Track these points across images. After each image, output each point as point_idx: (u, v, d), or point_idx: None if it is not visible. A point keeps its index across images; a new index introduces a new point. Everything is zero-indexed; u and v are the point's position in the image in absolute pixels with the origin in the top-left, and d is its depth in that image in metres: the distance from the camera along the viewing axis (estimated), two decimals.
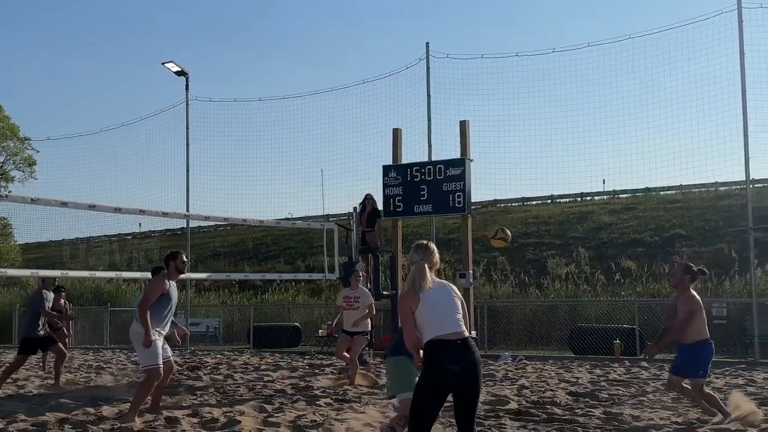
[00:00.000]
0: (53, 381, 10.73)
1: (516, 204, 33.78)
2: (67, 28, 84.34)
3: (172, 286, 7.68)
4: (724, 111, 15.28)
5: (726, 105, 15.21)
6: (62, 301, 13.17)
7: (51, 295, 10.81)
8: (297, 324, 19.39)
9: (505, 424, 7.05)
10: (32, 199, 10.71)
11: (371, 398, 8.80)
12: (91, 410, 8.05)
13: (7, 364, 11.19)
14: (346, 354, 10.46)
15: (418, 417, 4.61)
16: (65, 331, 13.40)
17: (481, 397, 8.50)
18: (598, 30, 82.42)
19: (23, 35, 78.47)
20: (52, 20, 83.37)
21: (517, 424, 7.05)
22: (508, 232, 14.04)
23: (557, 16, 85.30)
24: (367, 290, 10.88)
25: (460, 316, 4.70)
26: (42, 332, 10.43)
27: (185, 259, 7.98)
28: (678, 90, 16.60)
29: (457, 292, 4.86)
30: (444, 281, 4.91)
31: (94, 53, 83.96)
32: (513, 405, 8.13)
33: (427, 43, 16.86)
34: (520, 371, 12.10)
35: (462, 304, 4.82)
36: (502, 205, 33.22)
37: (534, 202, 34.36)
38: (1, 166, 35.88)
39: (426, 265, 4.74)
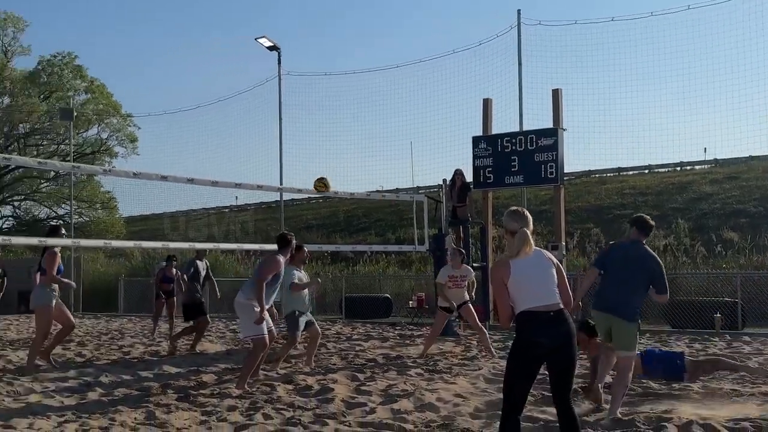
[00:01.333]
0: (189, 347, 11.39)
1: (611, 174, 32.82)
2: (163, 7, 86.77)
3: (283, 266, 7.90)
4: None
5: None
6: (174, 270, 13.73)
7: (202, 265, 11.70)
8: (388, 295, 19.56)
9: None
10: (134, 174, 11.15)
11: (462, 369, 8.81)
12: (192, 377, 8.39)
13: (179, 329, 12.10)
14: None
15: (509, 389, 4.56)
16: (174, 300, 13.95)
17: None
18: None
19: (120, 14, 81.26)
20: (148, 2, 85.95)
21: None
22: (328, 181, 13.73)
23: None
24: (468, 266, 10.86)
25: (555, 287, 4.54)
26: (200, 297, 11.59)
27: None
28: None
29: (554, 259, 4.68)
30: (540, 248, 4.73)
31: (188, 30, 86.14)
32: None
33: (519, 11, 16.53)
34: None
35: (559, 271, 4.64)
36: (597, 175, 32.36)
37: (630, 173, 33.28)
38: (105, 142, 37.50)
39: (528, 232, 4.60)
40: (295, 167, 26.39)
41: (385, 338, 13.16)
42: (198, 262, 11.65)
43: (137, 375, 8.45)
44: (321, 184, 12.91)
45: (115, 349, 11.45)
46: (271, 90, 21.21)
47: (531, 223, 4.69)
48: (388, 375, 8.41)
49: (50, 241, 8.91)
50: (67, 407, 6.66)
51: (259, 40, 20.53)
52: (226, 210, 37.13)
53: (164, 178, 10.95)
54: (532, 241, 4.60)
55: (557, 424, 4.66)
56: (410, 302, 17.48)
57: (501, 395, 6.84)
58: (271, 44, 20.56)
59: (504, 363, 9.13)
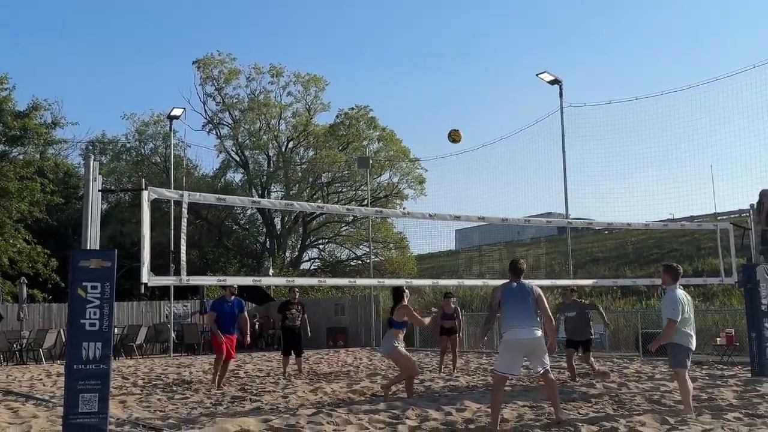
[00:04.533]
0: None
1: None
2: (437, 56, 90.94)
3: None
4: None
5: None
6: (452, 305, 14.33)
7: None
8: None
9: None
10: (430, 215, 11.73)
11: None
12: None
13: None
14: None
15: None
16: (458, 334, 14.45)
17: None
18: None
19: (402, 63, 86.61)
20: (426, 49, 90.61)
21: None
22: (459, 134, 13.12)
23: None
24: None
25: None
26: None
27: None
28: None
29: None
30: None
31: (465, 76, 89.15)
32: None
33: None
34: None
35: None
36: None
37: None
38: (397, 186, 39.94)
39: None
40: (580, 198, 25.82)
41: (692, 378, 12.23)
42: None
43: (441, 409, 8.75)
44: (455, 135, 13.35)
45: (417, 383, 11.99)
46: (553, 123, 21.09)
47: None
48: (701, 419, 7.79)
49: (359, 281, 9.67)
50: None
51: (540, 76, 20.63)
52: (511, 244, 37.42)
53: (456, 217, 11.36)
54: None
55: None
56: (717, 339, 16.10)
57: None
58: (553, 78, 20.55)
59: None
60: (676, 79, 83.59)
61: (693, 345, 8.35)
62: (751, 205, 13.71)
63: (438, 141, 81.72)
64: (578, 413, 8.29)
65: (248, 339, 12.98)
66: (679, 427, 7.23)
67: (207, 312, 14.23)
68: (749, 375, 12.21)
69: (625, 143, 23.07)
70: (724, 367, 14.28)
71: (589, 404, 9.08)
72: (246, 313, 12.84)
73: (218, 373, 12.35)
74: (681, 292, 8.44)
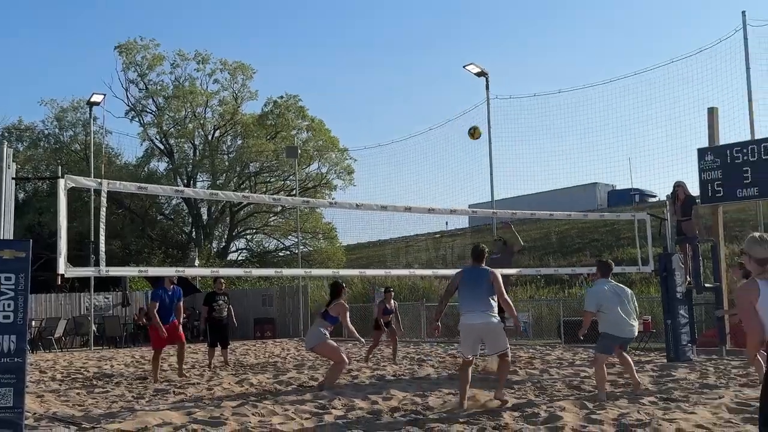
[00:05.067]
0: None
1: None
2: (368, 47, 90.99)
3: None
4: None
5: None
6: (393, 301, 14.50)
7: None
8: None
9: None
10: (357, 205, 11.73)
11: (700, 397, 8.22)
12: (418, 400, 8.58)
13: None
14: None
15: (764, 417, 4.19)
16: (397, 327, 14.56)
17: None
18: None
19: (332, 56, 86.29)
20: (356, 40, 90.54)
21: None
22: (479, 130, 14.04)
23: None
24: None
25: None
26: None
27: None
28: None
29: None
30: None
31: (395, 65, 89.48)
32: None
33: (743, 12, 15.36)
34: None
35: None
36: None
37: None
38: (325, 176, 39.81)
39: None
40: (506, 188, 26.30)
41: (610, 364, 12.61)
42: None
43: (368, 398, 8.78)
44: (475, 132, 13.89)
45: (344, 374, 11.99)
46: (480, 115, 21.35)
47: None
48: (618, 403, 8.05)
49: (286, 271, 9.59)
50: (308, 429, 7.07)
51: (467, 68, 20.84)
52: (438, 235, 37.80)
53: (384, 207, 11.41)
54: None
55: None
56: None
57: (748, 427, 6.32)
58: (479, 70, 20.79)
59: (747, 391, 8.43)
60: (599, 73, 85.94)
61: (625, 333, 8.74)
62: (667, 197, 14.21)
63: (367, 131, 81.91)
64: (500, 398, 8.43)
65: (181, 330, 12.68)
66: (597, 412, 7.45)
67: (149, 302, 13.75)
68: (665, 360, 12.69)
69: (549, 135, 23.63)
70: (641, 353, 14.78)
71: (512, 391, 9.27)
72: (182, 303, 12.57)
73: (169, 365, 12.02)
74: (607, 286, 8.86)
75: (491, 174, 20.36)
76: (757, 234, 4.51)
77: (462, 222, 35.92)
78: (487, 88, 20.90)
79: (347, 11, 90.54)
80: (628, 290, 9.00)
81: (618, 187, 43.00)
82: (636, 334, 9.04)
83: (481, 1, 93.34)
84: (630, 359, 9.18)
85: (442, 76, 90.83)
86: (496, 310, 7.96)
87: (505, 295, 8.00)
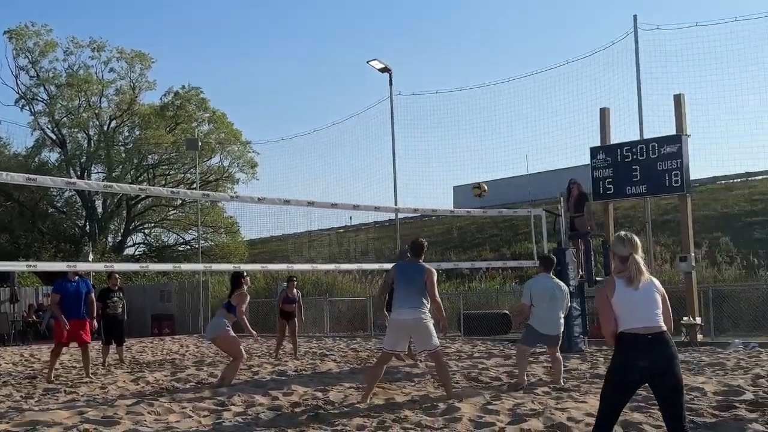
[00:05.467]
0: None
1: (739, 180, 31.24)
2: (276, 36, 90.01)
3: None
4: None
5: None
6: (295, 291, 14.25)
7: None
8: (506, 311, 19.31)
9: (741, 416, 6.56)
10: (259, 199, 11.59)
11: (591, 387, 8.57)
12: (319, 395, 8.57)
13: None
14: None
15: (603, 407, 4.64)
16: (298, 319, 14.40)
17: (713, 387, 8.01)
18: None
19: (235, 45, 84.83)
20: (260, 30, 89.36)
21: (753, 415, 6.54)
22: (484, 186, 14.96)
23: None
24: None
25: (659, 311, 4.57)
26: None
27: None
28: None
29: (660, 286, 4.72)
30: (652, 277, 4.76)
31: (301, 58, 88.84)
32: (748, 395, 7.55)
33: (635, 16, 16.12)
34: (753, 360, 11.20)
35: (663, 299, 4.66)
36: (723, 182, 30.88)
37: (759, 177, 31.62)
38: (227, 170, 39.09)
39: (640, 259, 4.65)
40: (409, 186, 26.62)
41: (507, 356, 12.99)
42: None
43: (268, 394, 8.70)
44: (479, 189, 14.15)
45: (244, 369, 11.84)
46: (384, 111, 21.48)
47: (640, 248, 4.73)
48: (514, 394, 8.29)
49: (184, 266, 9.38)
50: (205, 427, 6.94)
51: (371, 63, 20.92)
52: (342, 230, 37.82)
53: (287, 202, 11.32)
54: (645, 269, 4.65)
55: None
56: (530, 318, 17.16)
57: (635, 415, 6.63)
58: (383, 66, 20.91)
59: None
60: (504, 71, 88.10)
61: (546, 330, 9.00)
62: (561, 193, 14.73)
63: (270, 123, 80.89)
64: (402, 392, 8.54)
65: (95, 323, 12.03)
66: (493, 402, 7.64)
67: (49, 294, 13.01)
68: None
69: (454, 132, 24.06)
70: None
71: (412, 384, 9.39)
72: (93, 295, 11.92)
73: (61, 363, 11.32)
74: (543, 281, 9.14)
75: (394, 170, 20.58)
76: (622, 233, 4.89)
77: (365, 217, 36.02)
78: (391, 83, 21.09)
79: (254, 2, 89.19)
80: (564, 288, 9.23)
81: None
82: (559, 331, 9.15)
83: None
84: (560, 358, 9.24)
85: (350, 71, 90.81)
86: (428, 306, 7.85)
87: (437, 296, 7.84)
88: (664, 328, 4.54)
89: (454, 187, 35.03)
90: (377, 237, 35.41)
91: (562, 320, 9.13)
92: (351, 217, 34.84)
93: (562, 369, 9.28)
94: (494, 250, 30.61)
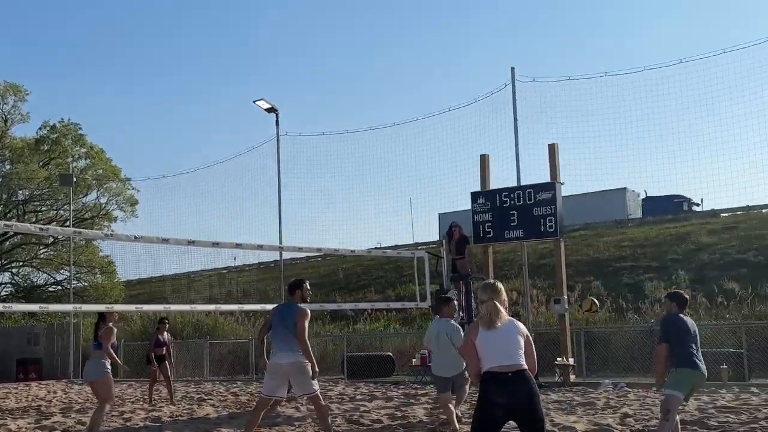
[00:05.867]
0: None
1: (609, 228, 33.00)
2: (159, 73, 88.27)
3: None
4: None
5: None
6: (166, 333, 13.75)
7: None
8: (390, 353, 19.38)
9: None
10: (135, 237, 11.19)
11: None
12: None
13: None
14: None
15: None
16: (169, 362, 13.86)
17: (584, 426, 8.29)
18: (689, 46, 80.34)
19: (116, 82, 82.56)
20: (143, 66, 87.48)
21: None
22: (596, 301, 16.05)
23: (648, 34, 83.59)
24: None
25: (521, 351, 4.77)
26: None
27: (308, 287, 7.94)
28: None
29: (523, 328, 4.93)
30: (511, 318, 4.99)
31: (186, 96, 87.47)
32: None
33: (513, 68, 16.79)
34: (622, 399, 11.70)
35: (527, 340, 4.86)
36: (596, 229, 32.50)
37: (629, 225, 33.52)
38: (105, 207, 37.60)
39: (497, 303, 4.89)
40: (295, 226, 26.48)
41: (389, 398, 13.00)
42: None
43: None
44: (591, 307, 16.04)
45: (116, 416, 11.29)
46: (270, 151, 21.39)
47: (503, 294, 4.99)
48: None
49: (52, 307, 8.89)
50: None
51: (258, 103, 20.83)
52: (225, 271, 37.05)
53: (165, 240, 10.98)
54: (503, 313, 4.88)
55: None
56: (413, 360, 17.31)
57: None
58: (269, 106, 20.86)
59: None
60: (395, 115, 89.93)
61: (439, 372, 8.88)
62: (443, 236, 15.06)
63: (158, 161, 78.69)
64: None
65: None
66: None
67: None
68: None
69: (339, 174, 24.21)
70: (419, 386, 15.37)
71: (292, 428, 9.21)
72: None
73: None
74: (436, 325, 8.98)
75: (279, 210, 20.43)
76: (488, 281, 5.21)
77: (249, 257, 35.38)
78: (277, 124, 21.03)
79: (140, 33, 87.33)
80: (455, 326, 8.89)
81: (652, 193, 35.73)
82: (451, 372, 8.77)
83: (285, 39, 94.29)
84: (452, 405, 8.82)
85: (240, 108, 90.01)
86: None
87: (306, 337, 7.44)
88: (525, 366, 4.72)
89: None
90: (261, 278, 34.89)
91: (458, 360, 8.58)
92: (235, 258, 34.17)
93: (454, 413, 8.79)
94: (379, 292, 30.77)
